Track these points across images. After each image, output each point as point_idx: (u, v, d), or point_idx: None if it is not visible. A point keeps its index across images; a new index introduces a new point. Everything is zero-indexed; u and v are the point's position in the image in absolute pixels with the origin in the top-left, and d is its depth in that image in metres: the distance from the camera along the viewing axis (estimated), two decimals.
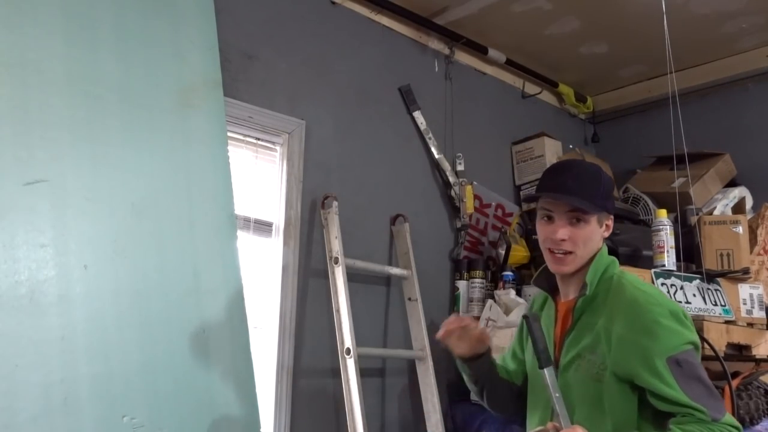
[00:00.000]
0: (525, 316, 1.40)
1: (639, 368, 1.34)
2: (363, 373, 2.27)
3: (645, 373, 1.34)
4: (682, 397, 1.31)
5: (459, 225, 2.88)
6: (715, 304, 2.21)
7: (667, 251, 2.26)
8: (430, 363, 2.48)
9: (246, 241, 2.27)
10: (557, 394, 1.31)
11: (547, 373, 1.32)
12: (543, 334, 1.37)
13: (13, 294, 1.57)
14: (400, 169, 2.78)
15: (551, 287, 1.56)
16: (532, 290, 2.47)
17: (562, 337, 1.49)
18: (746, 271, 2.32)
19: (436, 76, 3.04)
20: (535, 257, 2.73)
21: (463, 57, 3.15)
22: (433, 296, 2.72)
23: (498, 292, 2.51)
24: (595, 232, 1.47)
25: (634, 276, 1.52)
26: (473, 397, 2.57)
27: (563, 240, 1.45)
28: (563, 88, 3.61)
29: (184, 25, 2.04)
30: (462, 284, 2.75)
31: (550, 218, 1.48)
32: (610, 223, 1.51)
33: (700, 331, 2.03)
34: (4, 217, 1.60)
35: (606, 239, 1.53)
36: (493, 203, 2.97)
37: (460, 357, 1.58)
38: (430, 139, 2.88)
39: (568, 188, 1.46)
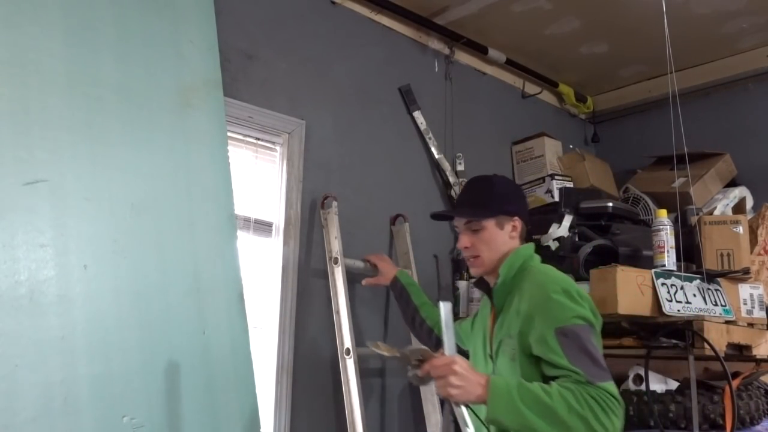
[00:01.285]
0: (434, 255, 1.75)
1: (534, 340, 1.51)
2: (363, 373, 2.27)
3: (537, 343, 1.50)
4: (563, 362, 1.44)
5: None
6: (716, 304, 2.20)
7: (668, 251, 2.26)
8: None
9: (246, 241, 2.26)
10: (447, 329, 1.42)
11: (443, 307, 1.42)
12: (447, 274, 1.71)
13: (12, 294, 1.57)
14: (400, 169, 2.78)
15: (487, 289, 1.76)
16: None
17: (492, 329, 1.68)
18: (746, 271, 2.31)
19: (436, 76, 3.04)
20: None
21: (463, 57, 3.15)
22: (433, 296, 2.72)
23: None
24: (496, 234, 1.70)
25: (546, 265, 1.71)
26: None
27: (466, 247, 1.71)
28: (563, 88, 3.61)
29: (183, 25, 2.04)
30: (462, 284, 2.75)
31: (459, 232, 1.76)
32: (517, 223, 1.72)
33: (700, 331, 2.04)
34: (4, 217, 1.60)
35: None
36: None
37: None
38: (430, 139, 2.87)
39: (460, 203, 1.76)
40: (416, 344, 1.52)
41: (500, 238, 1.70)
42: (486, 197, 1.73)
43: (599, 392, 1.38)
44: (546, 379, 1.48)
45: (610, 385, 1.42)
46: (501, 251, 1.69)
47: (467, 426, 1.38)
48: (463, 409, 1.40)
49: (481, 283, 1.79)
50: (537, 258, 1.73)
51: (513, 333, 1.57)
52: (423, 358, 1.43)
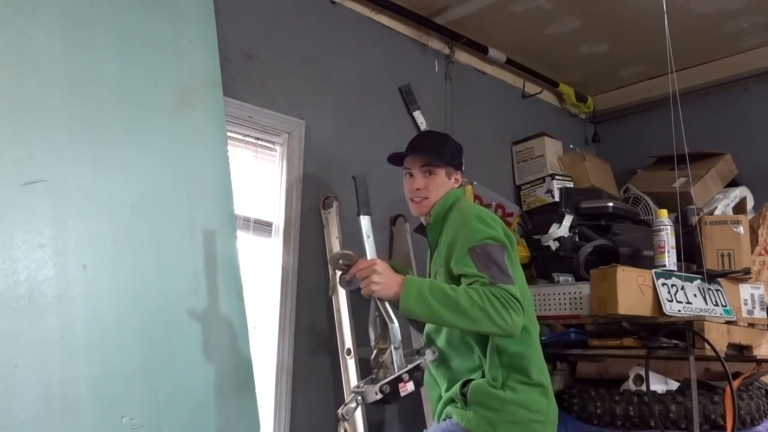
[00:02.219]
0: (353, 177, 1.73)
1: (453, 262, 1.67)
2: (363, 373, 2.27)
3: (455, 264, 1.66)
4: (472, 270, 1.61)
5: None
6: (716, 305, 2.20)
7: (668, 251, 2.25)
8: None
9: (246, 241, 2.26)
10: (368, 240, 1.66)
11: (363, 221, 1.64)
12: (366, 191, 1.72)
13: (12, 294, 1.57)
14: (400, 169, 2.77)
15: (424, 231, 1.92)
16: (532, 290, 2.47)
17: (430, 264, 1.86)
18: (747, 271, 2.31)
19: (436, 76, 3.04)
20: (536, 257, 2.72)
21: (463, 57, 3.14)
22: None
23: None
24: (445, 182, 1.86)
25: (472, 203, 1.96)
26: None
27: (418, 189, 1.85)
28: (564, 87, 3.61)
29: (183, 25, 2.04)
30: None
31: (411, 175, 1.88)
32: (459, 177, 1.91)
33: (701, 332, 2.03)
34: (3, 217, 1.59)
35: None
36: (494, 203, 2.97)
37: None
38: None
39: (421, 147, 1.89)
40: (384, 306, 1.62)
41: (447, 186, 1.87)
42: (442, 148, 1.90)
43: (500, 291, 1.55)
44: None
45: (513, 288, 1.57)
46: (437, 191, 1.87)
47: (391, 321, 1.59)
48: (387, 305, 1.61)
49: (420, 229, 1.96)
50: (466, 199, 1.91)
51: (443, 262, 1.73)
52: (349, 262, 1.64)
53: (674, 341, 2.09)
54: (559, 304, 2.38)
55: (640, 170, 3.37)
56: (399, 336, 1.60)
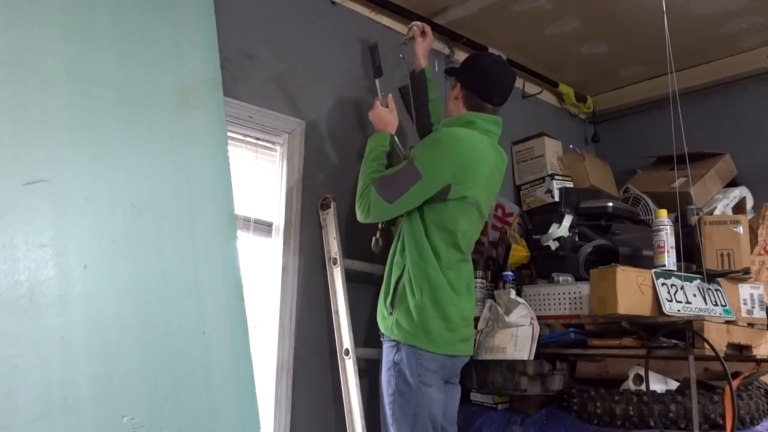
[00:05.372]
0: (368, 46, 2.45)
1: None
2: (362, 373, 2.27)
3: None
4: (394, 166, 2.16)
5: None
6: (716, 304, 2.20)
7: (668, 251, 2.25)
8: None
9: (246, 241, 2.26)
10: (382, 94, 2.34)
11: (377, 82, 2.40)
12: (379, 58, 2.39)
13: (12, 294, 1.57)
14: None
15: None
16: (532, 290, 2.48)
17: None
18: (747, 271, 2.31)
19: (437, 76, 3.03)
20: (535, 257, 2.72)
21: (463, 57, 3.13)
22: None
23: (498, 292, 2.50)
24: (449, 93, 2.28)
25: (466, 130, 2.13)
26: (473, 397, 2.58)
27: None
28: (563, 87, 3.61)
29: (183, 25, 2.04)
30: None
31: None
32: (458, 90, 2.24)
33: (700, 331, 2.03)
34: (4, 217, 1.60)
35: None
36: (493, 203, 2.97)
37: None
38: None
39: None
40: None
41: (448, 97, 2.26)
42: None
43: (369, 187, 2.09)
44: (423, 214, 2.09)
45: (377, 197, 2.06)
46: (447, 108, 2.27)
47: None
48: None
49: None
50: (470, 120, 2.14)
51: None
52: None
53: (674, 341, 2.10)
54: (559, 304, 2.38)
55: (639, 170, 3.37)
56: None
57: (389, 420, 2.05)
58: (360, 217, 2.13)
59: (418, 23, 2.57)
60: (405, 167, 2.05)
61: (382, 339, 2.15)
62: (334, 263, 2.34)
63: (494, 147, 2.19)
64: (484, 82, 2.17)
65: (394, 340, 2.07)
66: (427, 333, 2.03)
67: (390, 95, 2.33)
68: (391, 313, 2.09)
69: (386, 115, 2.28)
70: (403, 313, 2.06)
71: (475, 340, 2.40)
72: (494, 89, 2.17)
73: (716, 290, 2.25)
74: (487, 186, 2.15)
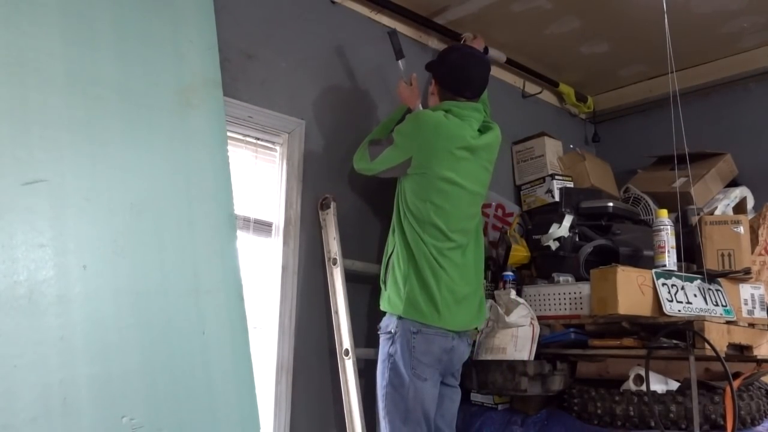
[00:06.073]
0: (387, 32, 2.60)
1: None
2: (362, 373, 2.27)
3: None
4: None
5: None
6: (716, 305, 2.20)
7: (668, 251, 2.25)
8: None
9: (246, 241, 2.26)
10: (401, 60, 2.55)
11: (400, 63, 2.56)
12: (399, 41, 2.57)
13: (11, 294, 1.57)
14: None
15: None
16: (532, 290, 2.47)
17: None
18: (747, 271, 2.31)
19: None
20: (536, 257, 2.72)
21: None
22: None
23: (498, 292, 2.50)
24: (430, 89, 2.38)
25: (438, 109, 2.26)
26: (473, 398, 2.57)
27: None
28: (564, 87, 3.60)
29: (183, 24, 2.04)
30: None
31: None
32: (434, 86, 2.35)
33: (701, 332, 2.03)
34: (3, 217, 1.60)
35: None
36: (494, 203, 2.96)
37: None
38: None
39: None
40: None
41: (427, 93, 2.37)
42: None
43: (366, 145, 2.34)
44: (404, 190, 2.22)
45: (374, 161, 2.28)
46: (429, 104, 2.35)
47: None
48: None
49: None
50: (447, 109, 2.22)
51: None
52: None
53: (674, 341, 2.09)
54: (559, 304, 2.38)
55: (640, 170, 3.36)
56: None
57: (381, 413, 2.07)
58: (355, 165, 2.37)
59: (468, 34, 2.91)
60: (389, 136, 2.27)
61: (379, 332, 2.17)
62: (334, 263, 2.33)
63: (473, 129, 2.23)
64: (453, 77, 2.27)
65: (388, 332, 2.11)
66: (414, 304, 2.08)
67: (414, 74, 2.44)
68: (385, 290, 2.18)
69: (406, 91, 2.43)
70: (393, 285, 2.15)
71: (475, 341, 2.40)
72: (464, 84, 2.26)
73: (717, 290, 2.25)
74: (464, 163, 2.18)
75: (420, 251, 2.12)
